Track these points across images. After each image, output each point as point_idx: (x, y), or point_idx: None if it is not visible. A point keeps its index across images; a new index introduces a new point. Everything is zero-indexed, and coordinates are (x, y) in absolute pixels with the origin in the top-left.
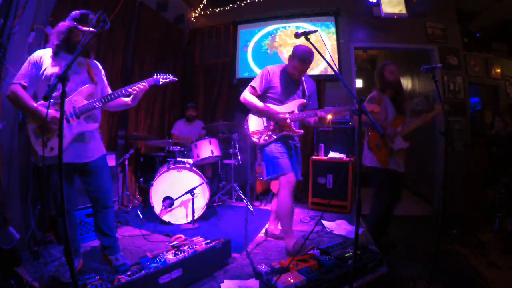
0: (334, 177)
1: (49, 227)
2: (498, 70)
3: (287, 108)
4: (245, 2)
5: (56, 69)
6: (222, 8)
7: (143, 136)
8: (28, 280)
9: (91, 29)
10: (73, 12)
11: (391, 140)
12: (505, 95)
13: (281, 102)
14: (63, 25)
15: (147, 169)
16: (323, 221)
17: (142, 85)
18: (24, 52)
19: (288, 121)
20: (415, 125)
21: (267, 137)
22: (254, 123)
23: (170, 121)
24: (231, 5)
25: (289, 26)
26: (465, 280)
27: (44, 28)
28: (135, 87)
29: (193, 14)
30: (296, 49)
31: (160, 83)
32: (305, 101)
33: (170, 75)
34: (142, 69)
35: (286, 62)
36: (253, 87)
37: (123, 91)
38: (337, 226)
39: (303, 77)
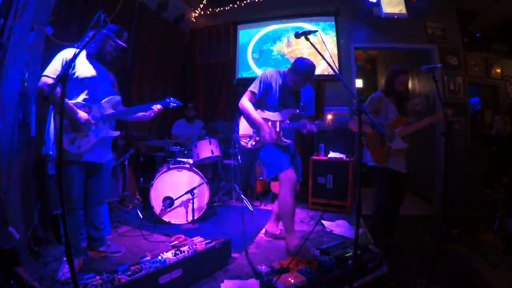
0: (334, 177)
1: (49, 227)
2: (498, 70)
3: (279, 116)
4: (245, 2)
5: (88, 74)
6: (222, 8)
7: (143, 136)
8: (28, 280)
9: (124, 45)
10: (111, 25)
11: (390, 140)
12: (505, 95)
13: (275, 109)
14: (103, 32)
15: (147, 169)
16: (323, 221)
17: (158, 107)
18: (24, 52)
19: (276, 132)
20: (416, 128)
21: (254, 142)
22: (245, 126)
23: (170, 121)
24: (231, 5)
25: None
26: (465, 280)
27: (44, 28)
28: (155, 106)
29: (193, 14)
30: (300, 64)
31: (170, 106)
32: (297, 111)
33: (177, 100)
34: (142, 69)
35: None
36: (252, 92)
37: (144, 107)
38: (337, 226)
39: None
